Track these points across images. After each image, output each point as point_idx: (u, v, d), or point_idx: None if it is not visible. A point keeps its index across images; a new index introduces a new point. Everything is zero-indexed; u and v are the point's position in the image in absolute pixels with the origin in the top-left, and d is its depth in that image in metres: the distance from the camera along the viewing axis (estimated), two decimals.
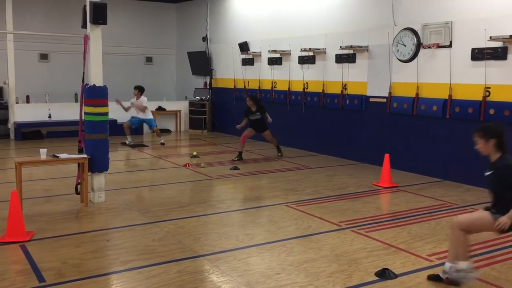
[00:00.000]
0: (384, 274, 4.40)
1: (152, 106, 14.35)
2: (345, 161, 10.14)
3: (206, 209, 6.59)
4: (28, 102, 13.71)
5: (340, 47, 9.99)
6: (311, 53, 10.92)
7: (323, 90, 10.71)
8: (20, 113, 12.91)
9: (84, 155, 6.59)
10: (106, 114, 6.72)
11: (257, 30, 12.75)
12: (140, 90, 12.25)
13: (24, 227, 5.29)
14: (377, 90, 9.54)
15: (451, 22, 8.10)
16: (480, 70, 7.71)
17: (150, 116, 12.55)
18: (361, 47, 9.71)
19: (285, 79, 11.79)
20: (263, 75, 12.55)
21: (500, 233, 4.08)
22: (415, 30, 8.65)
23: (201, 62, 15.04)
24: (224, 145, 12.12)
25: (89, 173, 6.66)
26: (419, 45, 8.63)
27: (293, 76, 11.56)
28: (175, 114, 15.06)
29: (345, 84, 10.18)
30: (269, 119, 10.38)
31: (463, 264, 4.08)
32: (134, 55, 16.15)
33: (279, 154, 10.58)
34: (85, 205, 6.58)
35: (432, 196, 7.32)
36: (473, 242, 5.20)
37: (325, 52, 10.64)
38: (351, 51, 9.97)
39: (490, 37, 7.40)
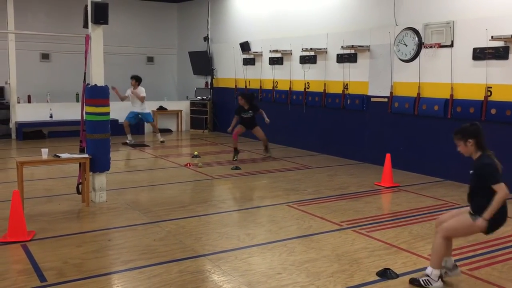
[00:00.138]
0: (385, 274, 4.39)
1: (153, 106, 14.40)
2: (346, 161, 10.14)
3: (207, 209, 6.59)
4: (29, 102, 13.72)
5: (342, 46, 9.99)
6: (312, 53, 10.91)
7: (325, 90, 10.70)
8: (22, 113, 12.93)
9: (86, 155, 6.60)
10: (108, 114, 6.73)
11: (258, 30, 12.75)
12: (137, 80, 12.16)
13: (26, 226, 5.29)
14: (379, 90, 9.53)
15: (453, 21, 8.10)
16: (482, 70, 7.70)
17: (147, 110, 12.46)
18: (362, 46, 9.70)
19: (286, 79, 11.78)
20: (264, 75, 12.55)
21: (486, 234, 4.12)
22: (416, 30, 8.64)
23: (202, 62, 15.04)
24: (225, 145, 12.11)
25: (91, 173, 6.66)
26: (420, 45, 8.62)
27: (294, 76, 11.56)
28: (176, 114, 15.06)
29: (347, 84, 10.18)
30: (267, 119, 10.11)
31: (432, 271, 4.12)
32: (135, 55, 16.16)
33: (268, 155, 10.33)
34: (87, 205, 6.58)
35: (433, 196, 7.31)
36: (474, 242, 5.22)
37: (326, 52, 10.64)
38: (352, 51, 9.96)
39: (492, 37, 7.39)
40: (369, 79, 9.73)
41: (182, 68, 16.74)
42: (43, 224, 5.77)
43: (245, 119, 10.28)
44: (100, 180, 6.77)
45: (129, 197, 7.14)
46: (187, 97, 15.66)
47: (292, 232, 5.60)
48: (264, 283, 4.22)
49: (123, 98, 12.08)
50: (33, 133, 12.81)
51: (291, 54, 11.60)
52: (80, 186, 6.72)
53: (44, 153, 6.36)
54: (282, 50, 11.72)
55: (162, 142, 12.36)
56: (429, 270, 4.15)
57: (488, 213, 3.88)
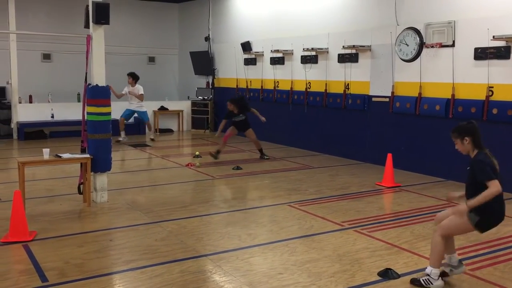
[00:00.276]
0: (387, 274, 4.39)
1: (155, 106, 14.42)
2: (347, 160, 10.13)
3: (209, 209, 6.59)
4: (31, 102, 13.72)
5: (343, 46, 9.98)
6: (313, 53, 10.90)
7: (326, 89, 10.70)
8: (23, 113, 12.93)
9: (87, 155, 6.60)
10: (109, 114, 6.73)
11: (260, 30, 12.75)
12: (134, 77, 12.15)
13: (27, 227, 5.29)
14: (380, 89, 9.52)
15: (454, 21, 8.09)
16: (483, 70, 7.69)
17: (144, 109, 12.46)
18: (363, 46, 9.70)
19: (288, 78, 11.78)
20: (265, 74, 12.55)
21: (481, 232, 4.18)
22: (417, 30, 8.64)
23: (203, 62, 15.04)
24: (226, 144, 12.10)
25: (92, 173, 6.66)
26: (422, 45, 8.61)
27: (296, 75, 11.55)
28: (178, 114, 15.06)
29: (348, 84, 10.17)
30: (262, 118, 10.10)
31: (432, 270, 4.13)
32: (136, 55, 16.15)
33: (265, 157, 10.22)
34: (88, 205, 6.58)
35: (435, 196, 7.30)
36: (476, 242, 5.21)
37: (327, 52, 10.63)
38: (353, 51, 9.96)
39: (493, 37, 7.37)
40: (370, 79, 9.73)
41: (183, 68, 16.74)
42: (44, 224, 5.78)
43: (238, 122, 10.21)
44: (101, 180, 6.77)
45: (131, 197, 7.14)
46: (188, 97, 15.67)
47: (293, 232, 5.60)
48: (266, 283, 4.22)
49: (119, 96, 12.11)
50: (34, 133, 12.81)
51: (292, 54, 11.59)
52: (81, 186, 6.72)
53: (46, 153, 6.36)
54: (283, 50, 11.72)
55: (152, 139, 12.36)
56: (429, 269, 4.16)
57: (473, 202, 3.91)
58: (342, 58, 10.21)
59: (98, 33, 6.68)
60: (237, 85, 13.64)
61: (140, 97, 12.11)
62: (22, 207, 5.30)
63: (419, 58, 8.70)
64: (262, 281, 4.27)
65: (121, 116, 12.30)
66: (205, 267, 4.60)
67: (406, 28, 8.82)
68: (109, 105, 6.72)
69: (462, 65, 8.04)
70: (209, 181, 8.30)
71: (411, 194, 7.42)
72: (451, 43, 8.15)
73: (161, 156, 10.66)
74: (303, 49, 10.97)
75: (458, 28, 8.06)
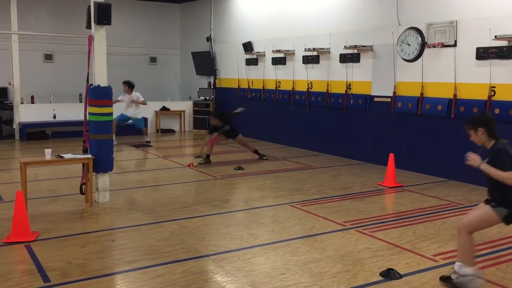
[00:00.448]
0: (389, 274, 4.39)
1: (156, 106, 14.43)
2: (349, 161, 10.12)
3: (211, 209, 6.59)
4: (32, 102, 13.75)
5: (344, 46, 9.97)
6: (315, 53, 10.90)
7: (327, 89, 10.69)
8: (25, 114, 12.95)
9: (89, 155, 6.60)
10: (111, 114, 6.74)
11: (261, 30, 12.74)
12: (129, 85, 12.03)
13: (29, 227, 5.30)
14: (382, 89, 9.51)
15: (456, 21, 8.08)
16: (485, 70, 7.68)
17: (139, 116, 12.35)
18: (365, 46, 9.69)
19: (289, 79, 11.78)
20: (267, 75, 12.54)
21: (507, 224, 4.11)
22: (419, 30, 8.63)
23: (205, 62, 15.05)
24: (228, 145, 12.10)
25: (94, 173, 6.67)
26: (423, 45, 8.60)
27: (297, 76, 11.54)
28: (179, 114, 15.07)
29: (350, 84, 10.17)
30: (239, 109, 10.52)
31: (468, 270, 4.08)
32: (138, 55, 16.18)
33: (264, 157, 10.21)
34: (90, 205, 6.59)
35: (437, 196, 7.30)
36: (479, 242, 5.19)
37: (329, 52, 10.62)
38: (355, 51, 9.95)
39: (495, 36, 7.37)
40: (372, 79, 9.72)
41: (185, 69, 16.75)
42: (46, 225, 5.79)
43: (226, 132, 10.13)
44: (103, 180, 6.78)
45: (132, 197, 7.15)
46: (190, 97, 15.67)
47: (295, 232, 5.60)
48: (268, 284, 4.22)
49: (114, 102, 12.05)
50: (36, 133, 12.84)
51: (294, 54, 11.59)
52: (83, 186, 6.72)
53: (48, 153, 6.37)
54: (285, 50, 11.71)
55: (147, 142, 12.32)
56: (462, 269, 4.06)
57: (489, 168, 3.92)
58: (344, 58, 10.20)
59: (100, 34, 6.69)
60: (238, 86, 13.64)
61: (143, 103, 12.10)
62: (24, 208, 5.31)
63: (421, 58, 8.69)
64: (264, 281, 4.27)
65: (114, 119, 12.23)
66: (207, 267, 4.60)
67: (408, 28, 8.81)
68: (111, 106, 6.74)
69: (464, 65, 8.03)
70: (211, 182, 8.30)
71: (413, 194, 7.41)
72: (453, 43, 8.14)
73: (163, 156, 10.67)
74: (305, 49, 10.97)
75: (460, 28, 8.05)
